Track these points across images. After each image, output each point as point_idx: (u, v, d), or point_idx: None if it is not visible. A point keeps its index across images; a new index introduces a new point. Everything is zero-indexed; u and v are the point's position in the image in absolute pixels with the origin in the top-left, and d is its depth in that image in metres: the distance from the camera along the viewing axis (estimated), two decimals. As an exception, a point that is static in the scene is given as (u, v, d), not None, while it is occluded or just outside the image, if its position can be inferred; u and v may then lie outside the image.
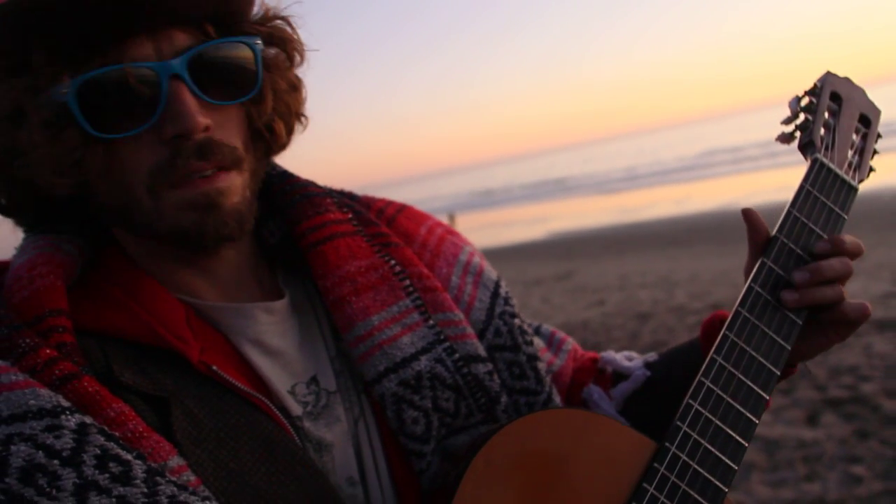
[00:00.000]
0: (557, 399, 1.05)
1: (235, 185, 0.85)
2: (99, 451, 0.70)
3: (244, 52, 0.86)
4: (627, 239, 14.38)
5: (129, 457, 0.71)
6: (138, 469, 0.71)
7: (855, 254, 0.96)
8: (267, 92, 0.89)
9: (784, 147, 1.08)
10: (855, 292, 6.72)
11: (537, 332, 1.18)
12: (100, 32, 0.77)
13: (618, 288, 9.15)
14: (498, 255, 14.67)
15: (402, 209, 1.10)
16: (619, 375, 1.13)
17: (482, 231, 21.94)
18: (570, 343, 1.19)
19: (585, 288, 9.54)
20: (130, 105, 0.79)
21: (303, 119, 0.96)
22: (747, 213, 0.98)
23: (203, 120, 0.80)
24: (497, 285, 1.07)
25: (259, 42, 0.87)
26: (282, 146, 0.95)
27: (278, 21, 0.91)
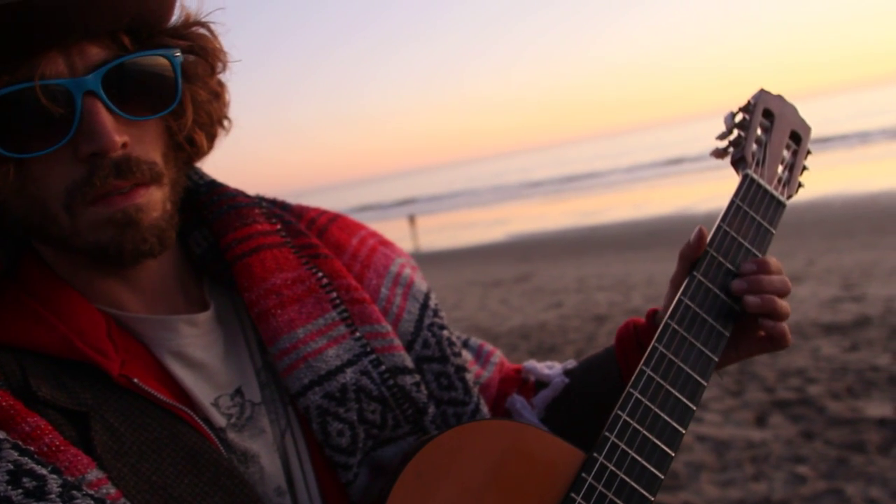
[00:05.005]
0: (485, 409, 1.05)
1: (154, 200, 0.83)
2: (12, 467, 0.69)
3: (162, 65, 0.84)
4: (586, 242, 14.53)
5: (43, 471, 0.70)
6: (53, 483, 0.70)
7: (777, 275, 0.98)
8: (187, 104, 0.87)
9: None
10: (804, 297, 6.88)
11: (465, 344, 1.18)
12: (8, 48, 0.74)
13: (575, 290, 9.24)
14: (457, 256, 14.70)
15: (335, 219, 1.10)
16: (542, 384, 1.15)
17: (442, 233, 21.93)
18: (498, 355, 1.20)
19: (543, 290, 9.61)
20: (43, 123, 0.76)
21: (226, 124, 0.95)
22: (701, 231, 0.99)
23: (119, 138, 0.78)
24: (427, 297, 1.07)
25: (178, 53, 0.85)
26: (203, 155, 0.94)
27: (199, 28, 0.89)
